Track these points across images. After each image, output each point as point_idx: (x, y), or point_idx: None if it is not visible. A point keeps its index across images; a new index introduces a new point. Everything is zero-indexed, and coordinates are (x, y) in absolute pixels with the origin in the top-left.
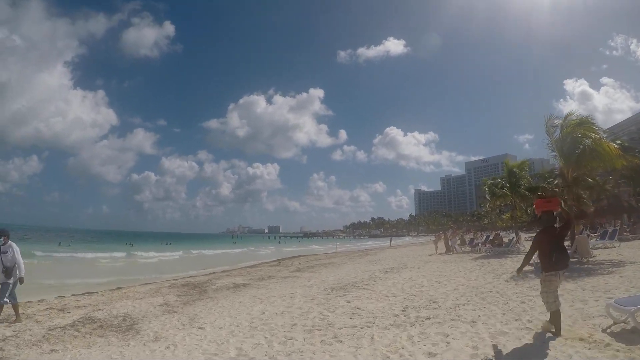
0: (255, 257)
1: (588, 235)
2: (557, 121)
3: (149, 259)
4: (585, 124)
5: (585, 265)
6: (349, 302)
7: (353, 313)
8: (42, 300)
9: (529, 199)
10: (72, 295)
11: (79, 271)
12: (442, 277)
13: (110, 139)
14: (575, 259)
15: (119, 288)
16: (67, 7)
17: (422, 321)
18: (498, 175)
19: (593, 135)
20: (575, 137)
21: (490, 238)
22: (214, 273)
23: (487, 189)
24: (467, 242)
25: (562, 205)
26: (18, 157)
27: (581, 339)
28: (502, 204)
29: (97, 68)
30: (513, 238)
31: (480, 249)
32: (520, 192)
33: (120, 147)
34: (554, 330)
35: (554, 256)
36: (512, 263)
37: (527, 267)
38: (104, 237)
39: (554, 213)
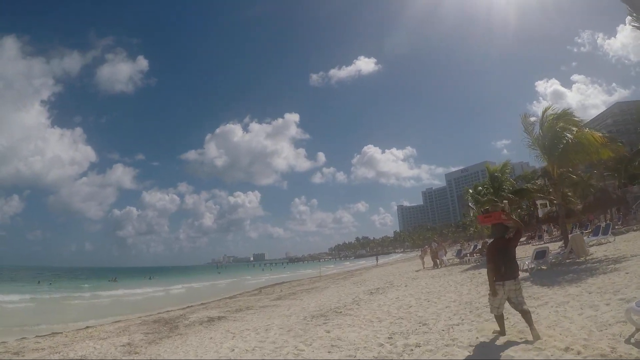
0: (237, 287)
1: (582, 233)
2: (533, 118)
3: (128, 296)
4: (564, 116)
5: (584, 265)
6: (328, 332)
7: (332, 345)
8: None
9: (515, 202)
10: (36, 336)
11: (53, 311)
12: (431, 294)
13: (90, 176)
14: (571, 259)
15: (87, 327)
16: (41, 46)
17: (412, 350)
18: (479, 183)
19: (574, 127)
20: (556, 132)
21: (479, 247)
22: (191, 306)
23: (469, 197)
24: (455, 254)
25: (510, 216)
26: None
27: (603, 355)
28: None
29: (73, 105)
30: None
31: (469, 259)
32: (505, 196)
33: (100, 183)
34: (497, 330)
35: (503, 267)
36: None
37: (522, 275)
38: (87, 274)
39: (505, 225)
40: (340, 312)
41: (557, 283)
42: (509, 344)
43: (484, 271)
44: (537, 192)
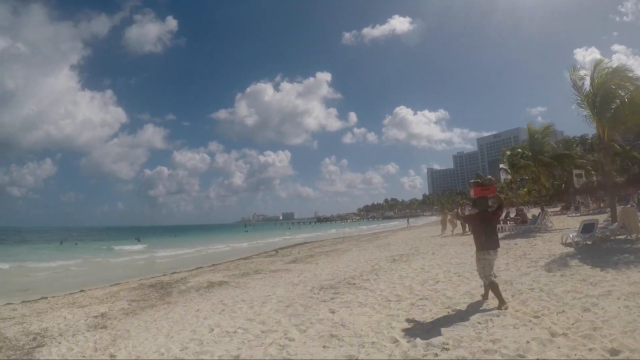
0: (258, 247)
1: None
2: (584, 72)
3: (144, 257)
4: (619, 72)
5: (638, 244)
6: (333, 312)
7: (331, 335)
8: None
9: (555, 168)
10: (22, 302)
11: (62, 274)
12: (462, 266)
13: (121, 137)
14: (624, 236)
15: (82, 291)
16: (68, 10)
17: (436, 355)
18: (517, 146)
19: (630, 85)
20: (609, 89)
21: (511, 215)
22: (200, 267)
23: (505, 160)
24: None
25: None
26: (32, 161)
27: None
28: (524, 176)
29: (103, 68)
30: (539, 214)
31: (502, 227)
32: (544, 160)
33: (131, 144)
34: (497, 303)
35: (484, 238)
36: (544, 244)
37: (566, 250)
38: (115, 234)
39: (488, 198)
40: (354, 283)
41: (612, 264)
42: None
43: (521, 241)
44: (579, 159)
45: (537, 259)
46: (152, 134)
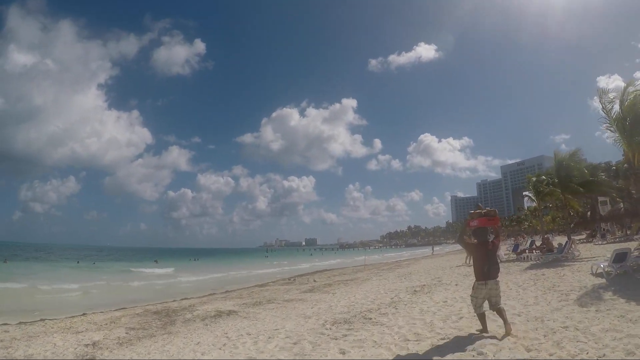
0: (277, 273)
1: None
2: (613, 94)
3: (160, 279)
4: None
5: None
6: (343, 352)
7: None
8: None
9: (582, 195)
10: (19, 323)
11: (67, 295)
12: None
13: (146, 158)
14: None
15: (83, 314)
16: (97, 30)
17: None
18: (543, 172)
19: None
20: (639, 112)
21: (536, 244)
22: (212, 294)
23: (531, 187)
24: (512, 249)
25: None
26: (55, 178)
27: None
28: (549, 204)
29: (130, 88)
30: (566, 242)
31: (528, 256)
32: (572, 187)
33: (155, 165)
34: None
35: (486, 267)
36: (573, 274)
37: (597, 281)
38: (135, 255)
39: (488, 228)
40: (371, 318)
41: None
42: (481, 338)
43: (548, 272)
44: (607, 186)
45: (568, 291)
46: (177, 156)
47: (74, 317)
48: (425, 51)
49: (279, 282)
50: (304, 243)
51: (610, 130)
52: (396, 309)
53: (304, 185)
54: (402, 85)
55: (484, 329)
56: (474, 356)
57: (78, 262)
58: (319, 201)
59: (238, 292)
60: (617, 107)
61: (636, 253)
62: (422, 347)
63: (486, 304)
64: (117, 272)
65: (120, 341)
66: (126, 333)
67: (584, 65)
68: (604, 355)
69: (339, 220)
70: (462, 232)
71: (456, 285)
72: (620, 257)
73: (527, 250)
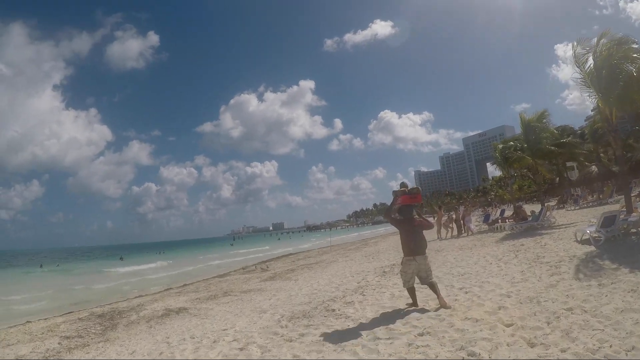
0: (242, 261)
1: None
2: (587, 47)
3: (118, 278)
4: (624, 44)
5: None
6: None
7: None
8: None
9: (550, 161)
10: None
11: (17, 301)
12: (467, 277)
13: (107, 155)
14: None
15: (27, 322)
16: (49, 30)
17: None
18: (510, 138)
19: (638, 58)
20: (614, 64)
21: (507, 213)
22: (168, 289)
23: (497, 155)
24: (483, 220)
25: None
26: (19, 183)
27: None
28: (515, 172)
29: (86, 86)
30: (541, 209)
31: (500, 226)
32: (543, 150)
33: (117, 161)
34: (410, 303)
35: (412, 243)
36: (556, 243)
37: (587, 248)
38: (101, 253)
39: (413, 206)
40: (334, 309)
41: None
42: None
43: (527, 242)
44: (579, 147)
45: (556, 262)
46: (138, 151)
47: (14, 326)
48: (382, 28)
49: (240, 271)
50: (271, 228)
51: (584, 84)
52: (363, 295)
53: (266, 170)
54: (360, 63)
55: (414, 303)
56: (464, 357)
57: (41, 266)
58: (282, 185)
59: (195, 285)
60: (590, 61)
61: (622, 216)
62: (396, 348)
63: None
64: (78, 274)
65: (47, 355)
66: (58, 343)
67: (542, 33)
68: (633, 347)
69: (305, 202)
70: (388, 209)
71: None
72: (608, 221)
73: (499, 220)
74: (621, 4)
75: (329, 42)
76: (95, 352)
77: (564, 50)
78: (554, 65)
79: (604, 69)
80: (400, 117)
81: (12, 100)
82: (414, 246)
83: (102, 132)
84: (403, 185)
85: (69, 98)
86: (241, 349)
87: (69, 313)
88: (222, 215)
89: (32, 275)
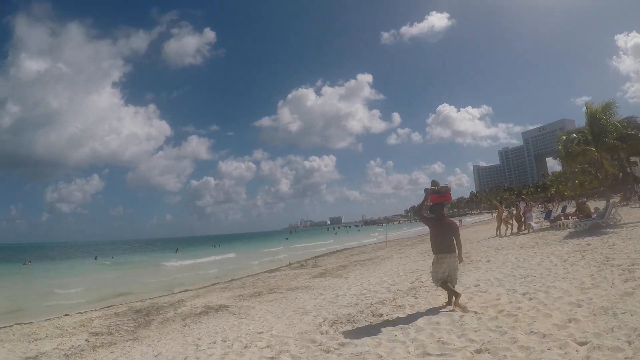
0: (293, 256)
1: None
2: None
3: (167, 271)
4: None
5: None
6: None
7: None
8: None
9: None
10: None
11: (61, 295)
12: (530, 281)
13: (166, 150)
14: None
15: (65, 315)
16: (105, 28)
17: None
18: (574, 130)
19: None
20: None
21: (567, 209)
22: (215, 284)
23: (560, 148)
24: (544, 217)
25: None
26: (79, 177)
27: None
28: (578, 166)
29: (144, 83)
30: (606, 206)
31: (563, 223)
32: (609, 143)
33: (176, 156)
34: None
35: (439, 241)
36: (625, 243)
37: None
38: (159, 245)
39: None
40: (382, 314)
41: None
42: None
43: (593, 241)
44: None
45: (629, 266)
46: (197, 145)
47: (49, 319)
48: (438, 20)
49: (291, 267)
50: (328, 222)
51: None
52: (416, 298)
53: (325, 164)
54: (417, 56)
55: (452, 298)
56: None
57: (96, 258)
58: (340, 179)
59: (243, 280)
60: None
61: None
62: None
63: None
64: (130, 266)
65: (70, 352)
66: (85, 340)
67: (600, 24)
68: None
69: (362, 197)
70: (419, 207)
71: (488, 262)
72: None
73: (562, 217)
74: None
75: (385, 35)
76: (120, 351)
77: (625, 40)
78: (614, 57)
79: None
80: (458, 110)
81: (72, 98)
82: (440, 244)
83: (161, 128)
84: (434, 183)
85: (128, 95)
86: (271, 359)
87: (108, 307)
88: (280, 209)
89: (85, 267)
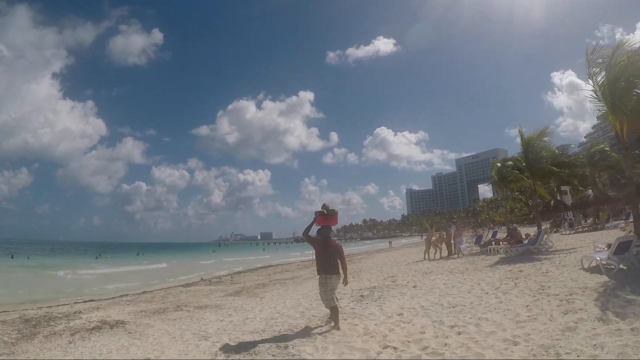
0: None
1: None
2: (602, 57)
3: (82, 277)
4: None
5: None
6: None
7: None
8: None
9: (559, 177)
10: None
11: None
12: (459, 310)
13: (100, 149)
14: None
15: None
16: (53, 16)
17: None
18: (509, 158)
19: None
20: (630, 77)
21: (498, 235)
22: (124, 295)
23: (494, 174)
24: (474, 241)
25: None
26: (7, 169)
27: None
28: (510, 193)
29: (85, 78)
30: (538, 232)
31: (494, 249)
32: (543, 169)
33: (109, 157)
34: (333, 324)
35: (324, 262)
36: (559, 270)
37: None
38: (82, 249)
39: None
40: (287, 346)
41: None
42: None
43: (525, 268)
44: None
45: (567, 295)
46: (132, 148)
47: None
48: (384, 45)
49: (208, 282)
50: (259, 237)
51: (594, 98)
52: (331, 326)
53: (259, 178)
54: (360, 78)
55: (336, 325)
56: None
57: (12, 257)
58: (274, 195)
59: (153, 293)
60: (604, 72)
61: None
62: None
63: None
64: (45, 269)
65: None
66: None
67: (538, 60)
68: None
69: (295, 214)
70: (306, 228)
71: (414, 287)
72: (622, 248)
73: (493, 242)
74: (618, 36)
75: (331, 54)
76: None
77: (560, 78)
78: (549, 92)
79: (618, 80)
80: (396, 134)
81: (9, 83)
82: (325, 265)
83: (97, 126)
84: (324, 207)
85: (67, 88)
86: None
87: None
88: (210, 221)
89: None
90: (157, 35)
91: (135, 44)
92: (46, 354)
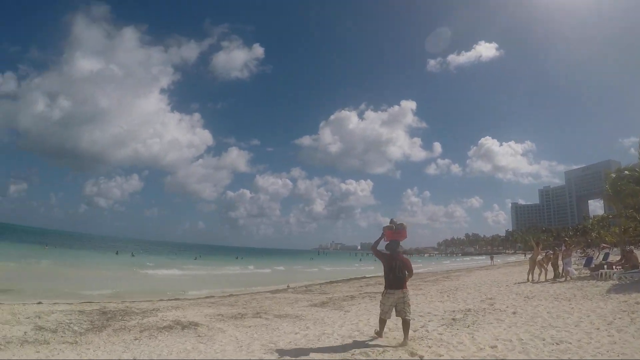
0: (307, 277)
1: None
2: None
3: (174, 277)
4: None
5: None
6: None
7: None
8: None
9: None
10: None
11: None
12: (565, 349)
13: (206, 158)
14: None
15: (39, 303)
16: (159, 36)
17: None
18: (627, 167)
19: None
20: None
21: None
22: (210, 297)
23: (608, 187)
24: (584, 263)
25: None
26: (120, 175)
27: None
28: (631, 207)
29: (191, 92)
30: None
31: (606, 273)
32: None
33: (215, 165)
34: (377, 332)
35: (391, 276)
36: None
37: None
38: (184, 250)
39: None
40: None
41: None
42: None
43: None
44: None
45: None
46: (237, 157)
47: (14, 304)
48: (486, 50)
49: (296, 290)
50: (359, 247)
51: None
52: (411, 353)
53: (361, 188)
54: (462, 86)
55: (379, 334)
56: None
57: (117, 253)
58: (375, 205)
59: (239, 297)
60: None
61: None
62: None
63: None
64: (143, 266)
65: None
66: (24, 333)
67: None
68: None
69: None
70: (375, 243)
71: (514, 314)
72: None
73: (605, 266)
74: None
75: (432, 62)
76: (40, 354)
77: None
78: None
79: None
80: (501, 144)
81: (120, 99)
82: (393, 280)
83: (204, 137)
84: (391, 222)
85: (174, 102)
86: None
87: (84, 302)
88: (311, 229)
89: (103, 260)
90: (258, 50)
91: (237, 59)
92: (104, 348)
